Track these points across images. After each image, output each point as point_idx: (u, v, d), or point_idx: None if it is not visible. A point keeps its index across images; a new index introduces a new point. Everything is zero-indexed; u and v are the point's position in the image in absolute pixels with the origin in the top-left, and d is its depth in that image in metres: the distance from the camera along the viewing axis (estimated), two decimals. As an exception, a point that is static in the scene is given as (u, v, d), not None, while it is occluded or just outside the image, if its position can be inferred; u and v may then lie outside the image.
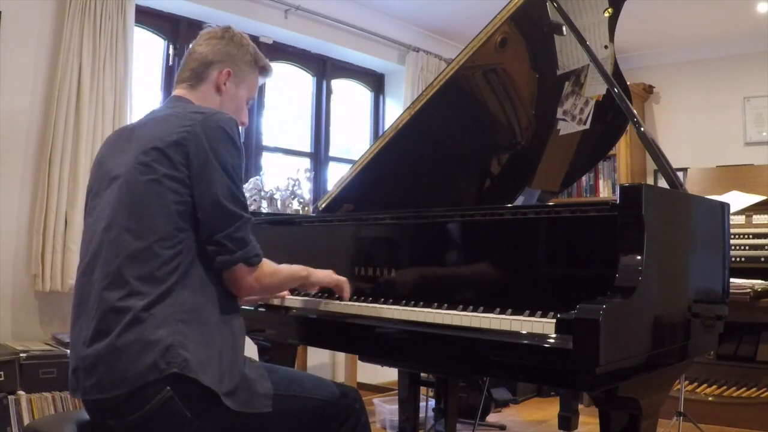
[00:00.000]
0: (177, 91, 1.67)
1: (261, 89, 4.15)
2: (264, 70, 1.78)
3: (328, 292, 1.84)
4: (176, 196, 1.42)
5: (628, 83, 2.28)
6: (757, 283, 3.24)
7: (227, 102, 1.67)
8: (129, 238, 1.41)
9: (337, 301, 1.77)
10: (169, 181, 1.42)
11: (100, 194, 1.53)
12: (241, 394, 1.41)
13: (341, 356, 4.12)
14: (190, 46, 1.71)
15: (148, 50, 3.69)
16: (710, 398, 3.61)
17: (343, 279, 1.77)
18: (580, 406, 2.89)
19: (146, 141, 1.47)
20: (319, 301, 1.81)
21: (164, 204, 1.41)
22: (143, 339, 1.34)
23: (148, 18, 3.61)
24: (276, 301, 1.90)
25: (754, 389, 3.57)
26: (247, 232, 1.48)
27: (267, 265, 1.54)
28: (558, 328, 1.31)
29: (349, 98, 4.88)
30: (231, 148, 1.48)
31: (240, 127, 1.76)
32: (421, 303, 1.66)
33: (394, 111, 4.82)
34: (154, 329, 1.35)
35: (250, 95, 1.76)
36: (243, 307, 1.78)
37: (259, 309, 1.92)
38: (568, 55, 2.19)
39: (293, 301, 1.87)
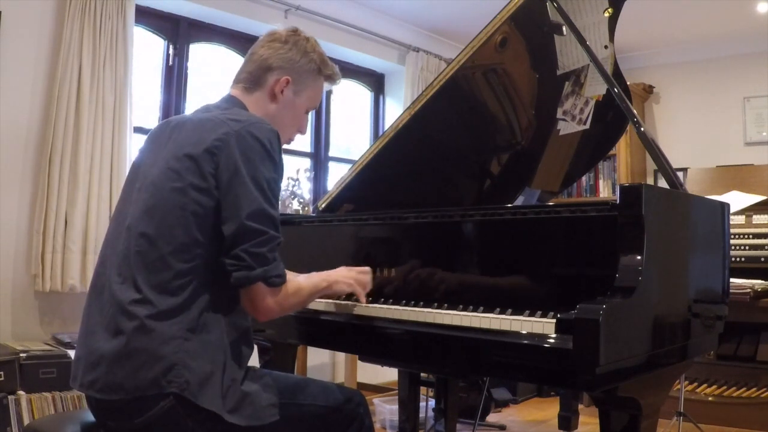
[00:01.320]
0: (232, 91, 1.62)
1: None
2: (330, 79, 1.71)
3: None
4: (199, 208, 1.38)
5: (628, 83, 2.28)
6: (757, 283, 3.24)
7: (283, 110, 1.62)
8: (144, 244, 1.38)
9: (338, 301, 1.77)
10: (194, 192, 1.38)
11: (133, 186, 1.51)
12: (245, 408, 1.39)
13: (341, 356, 4.11)
14: (254, 44, 1.64)
15: (148, 50, 3.69)
16: (710, 398, 3.61)
17: (364, 278, 1.68)
18: (580, 406, 2.90)
19: (181, 145, 1.43)
20: (319, 302, 1.80)
21: (185, 215, 1.38)
22: (148, 351, 1.32)
23: (148, 18, 3.60)
24: None
25: (754, 389, 3.57)
26: (271, 250, 1.38)
27: (290, 284, 1.45)
28: (558, 328, 1.31)
29: (349, 98, 4.88)
30: (266, 161, 1.41)
31: (297, 135, 1.72)
32: (421, 303, 1.66)
33: (394, 111, 4.82)
34: (160, 344, 1.32)
35: (312, 105, 1.69)
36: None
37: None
38: (568, 55, 2.19)
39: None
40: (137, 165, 1.56)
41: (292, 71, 1.61)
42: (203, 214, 1.38)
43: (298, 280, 1.51)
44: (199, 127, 1.46)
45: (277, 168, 1.45)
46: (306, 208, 3.78)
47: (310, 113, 1.75)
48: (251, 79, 1.60)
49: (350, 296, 1.74)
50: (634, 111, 1.88)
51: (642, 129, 1.79)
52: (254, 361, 1.81)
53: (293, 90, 1.62)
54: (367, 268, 1.72)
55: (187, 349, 1.34)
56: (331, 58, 1.74)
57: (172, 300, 1.35)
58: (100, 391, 1.36)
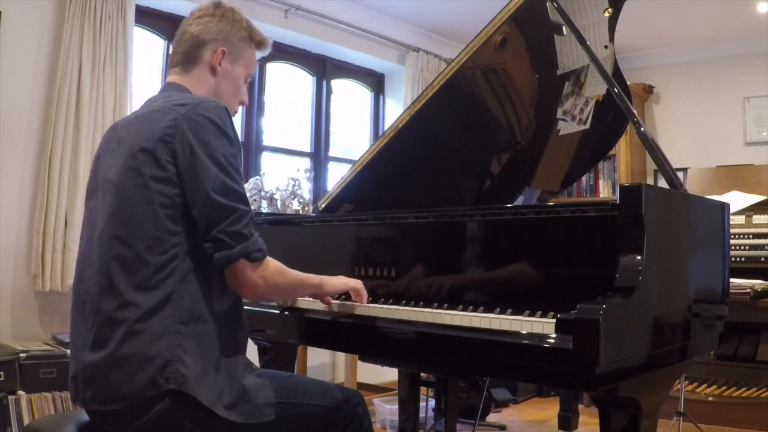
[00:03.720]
0: (170, 77, 1.59)
1: (261, 88, 4.15)
2: (261, 45, 1.68)
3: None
4: (164, 198, 1.37)
5: (628, 83, 2.28)
6: (757, 283, 3.24)
7: (223, 82, 1.60)
8: (118, 246, 1.37)
9: (338, 301, 1.77)
10: (156, 184, 1.37)
11: (95, 195, 1.50)
12: (242, 405, 1.39)
13: (341, 356, 4.11)
14: (180, 26, 1.62)
15: (148, 50, 3.69)
16: (710, 398, 3.61)
17: (359, 285, 1.70)
18: (580, 406, 2.89)
19: (134, 142, 1.42)
20: (319, 301, 1.81)
21: (152, 210, 1.36)
22: (141, 353, 1.31)
23: (148, 18, 3.61)
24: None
25: (754, 389, 3.57)
26: (247, 225, 1.39)
27: (273, 263, 1.46)
28: (558, 328, 1.31)
29: (349, 98, 4.88)
30: (220, 137, 1.40)
31: (240, 107, 1.70)
32: (421, 303, 1.66)
33: (394, 111, 4.82)
34: (151, 343, 1.32)
35: (248, 73, 1.67)
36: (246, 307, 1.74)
37: (260, 309, 1.92)
38: (568, 55, 2.19)
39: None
40: (94, 176, 1.55)
41: (226, 42, 1.59)
42: (170, 204, 1.37)
43: (285, 267, 1.51)
44: (147, 120, 1.44)
45: (233, 143, 1.43)
46: (306, 208, 3.78)
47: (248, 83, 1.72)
48: (187, 58, 1.58)
49: (349, 297, 1.75)
50: (634, 111, 1.88)
51: (642, 129, 1.79)
52: (254, 361, 1.80)
53: (230, 60, 1.60)
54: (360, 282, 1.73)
55: (180, 344, 1.33)
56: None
57: (156, 294, 1.34)
58: (103, 403, 1.35)
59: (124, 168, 1.41)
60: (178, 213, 1.38)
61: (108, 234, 1.40)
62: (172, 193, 1.37)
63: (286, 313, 1.86)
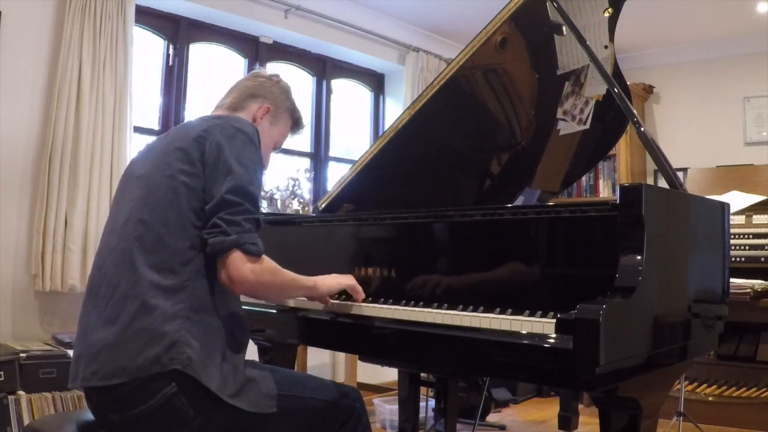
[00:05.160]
0: (214, 112, 1.72)
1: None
2: (297, 123, 1.84)
3: None
4: (190, 192, 1.44)
5: (628, 83, 2.28)
6: (757, 283, 3.24)
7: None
8: (141, 229, 1.44)
9: (338, 301, 1.77)
10: (183, 176, 1.45)
11: (123, 194, 1.57)
12: (245, 394, 1.41)
13: (341, 356, 4.12)
14: (237, 81, 1.79)
15: (148, 50, 3.69)
16: (710, 398, 3.61)
17: (352, 281, 1.72)
18: (580, 406, 2.89)
19: (169, 143, 1.53)
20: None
21: (177, 199, 1.44)
22: (150, 330, 1.35)
23: (148, 18, 3.60)
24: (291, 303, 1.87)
25: (754, 389, 3.57)
26: (248, 220, 1.42)
27: (268, 261, 1.47)
28: (558, 328, 1.31)
29: (349, 98, 4.88)
30: (249, 146, 1.50)
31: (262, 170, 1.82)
32: (421, 303, 1.66)
33: (394, 111, 4.82)
34: (162, 322, 1.35)
35: (279, 140, 1.82)
36: (245, 307, 1.73)
37: (260, 309, 1.92)
38: (568, 55, 2.19)
39: (293, 300, 1.87)
40: (126, 179, 1.62)
41: (273, 103, 1.76)
42: (194, 197, 1.44)
43: (280, 267, 1.52)
44: (185, 127, 1.57)
45: (257, 151, 1.52)
46: (306, 208, 3.78)
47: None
48: (235, 103, 1.73)
49: (349, 297, 1.75)
50: (634, 111, 1.88)
51: (642, 129, 1.79)
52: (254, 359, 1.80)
53: (270, 120, 1.76)
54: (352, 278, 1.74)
55: (188, 329, 1.37)
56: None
57: (172, 278, 1.39)
58: (102, 378, 1.36)
59: (156, 162, 1.51)
60: (200, 208, 1.44)
61: (133, 219, 1.46)
62: (197, 187, 1.45)
63: (285, 312, 1.86)
